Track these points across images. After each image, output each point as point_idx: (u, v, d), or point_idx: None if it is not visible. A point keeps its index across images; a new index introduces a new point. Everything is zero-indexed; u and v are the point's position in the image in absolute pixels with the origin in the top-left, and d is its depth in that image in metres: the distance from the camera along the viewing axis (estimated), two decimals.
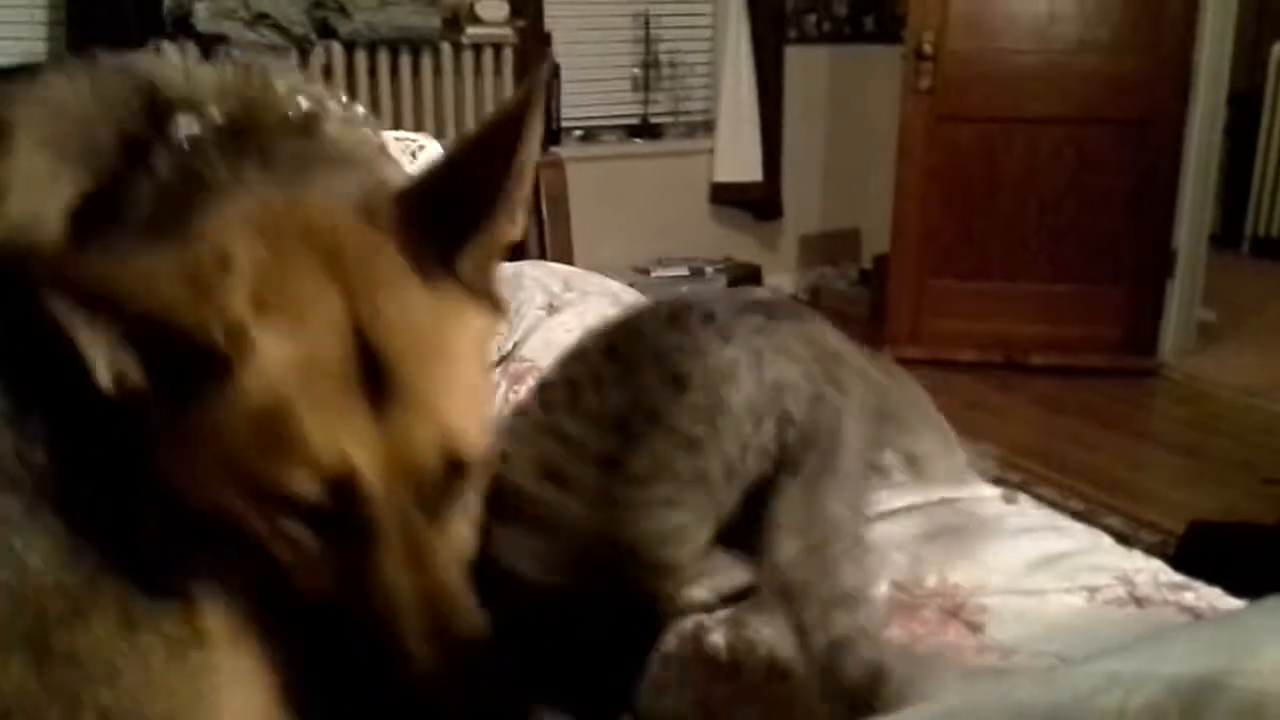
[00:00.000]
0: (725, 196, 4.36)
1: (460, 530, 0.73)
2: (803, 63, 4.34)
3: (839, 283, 4.56)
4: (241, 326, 0.63)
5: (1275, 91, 5.15)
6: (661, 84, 4.24)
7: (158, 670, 0.65)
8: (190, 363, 0.63)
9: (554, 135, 3.80)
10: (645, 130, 4.23)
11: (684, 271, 4.10)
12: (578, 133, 4.10)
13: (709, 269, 4.17)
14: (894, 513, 0.95)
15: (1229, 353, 3.92)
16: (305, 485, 0.65)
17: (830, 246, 4.59)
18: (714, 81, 4.26)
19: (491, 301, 0.76)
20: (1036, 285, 3.87)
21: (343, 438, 0.65)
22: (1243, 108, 4.81)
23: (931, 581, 0.86)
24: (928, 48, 3.72)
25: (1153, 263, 3.80)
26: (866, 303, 4.27)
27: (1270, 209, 5.42)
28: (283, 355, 0.64)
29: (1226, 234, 5.27)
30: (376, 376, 0.67)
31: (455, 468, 0.70)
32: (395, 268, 0.70)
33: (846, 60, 4.44)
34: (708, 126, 4.30)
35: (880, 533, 0.89)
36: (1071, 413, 3.41)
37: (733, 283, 4.05)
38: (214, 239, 0.65)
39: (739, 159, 4.26)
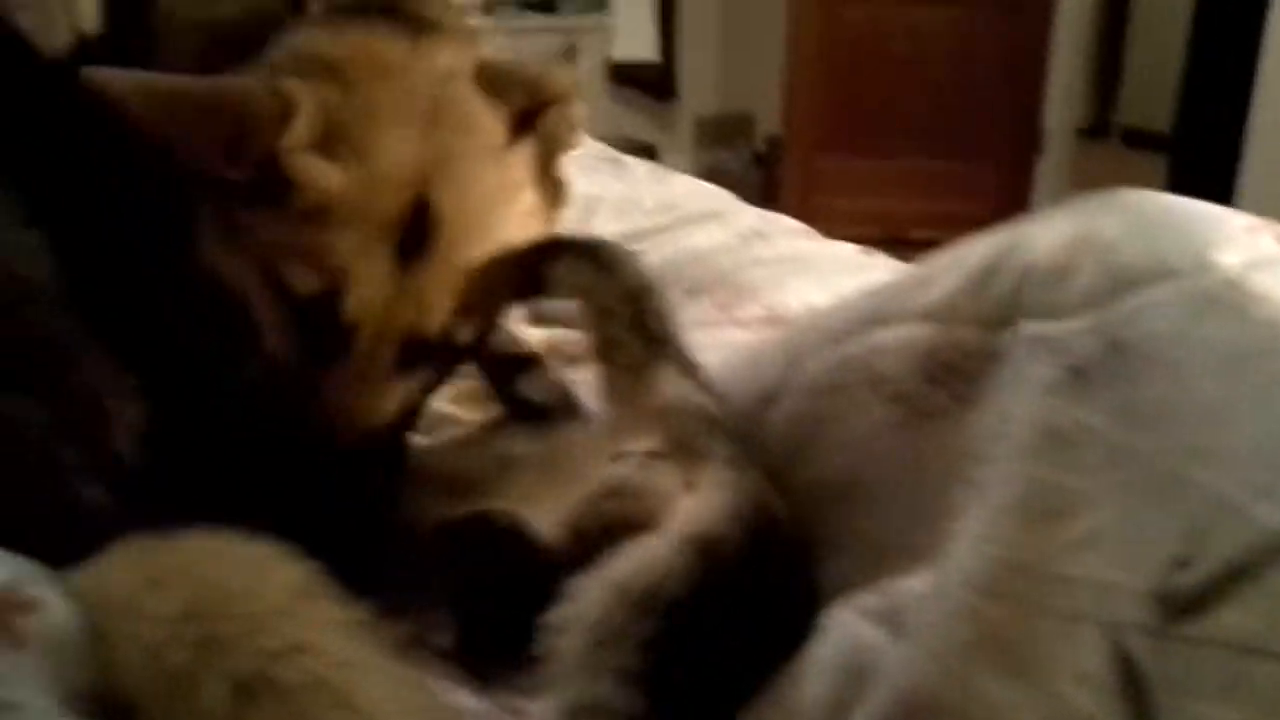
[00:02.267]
0: (622, 75, 4.42)
1: (413, 393, 0.77)
2: None
3: (733, 164, 4.69)
4: (290, 166, 0.67)
5: None
6: None
7: None
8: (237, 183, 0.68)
9: None
10: (541, 4, 4.25)
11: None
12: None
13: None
14: None
15: None
16: (305, 283, 0.70)
17: (725, 128, 4.70)
18: None
19: (553, 187, 0.82)
20: (917, 162, 4.07)
21: (356, 268, 0.69)
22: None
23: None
24: None
25: (1023, 142, 4.03)
26: (759, 183, 4.43)
27: (1141, 100, 5.70)
28: (336, 189, 0.68)
29: (1098, 124, 5.54)
30: (419, 233, 0.71)
31: (445, 343, 0.75)
32: (480, 136, 0.74)
33: None
34: (603, 2, 4.34)
35: None
36: None
37: None
38: (283, 82, 0.68)
39: (635, 37, 4.32)
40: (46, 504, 0.65)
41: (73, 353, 0.67)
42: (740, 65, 4.61)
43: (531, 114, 0.78)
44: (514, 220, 0.78)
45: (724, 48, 4.64)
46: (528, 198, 0.79)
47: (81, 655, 0.50)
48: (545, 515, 0.72)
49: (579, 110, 0.83)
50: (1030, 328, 0.59)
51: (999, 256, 0.61)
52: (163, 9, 0.75)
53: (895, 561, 0.58)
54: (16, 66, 0.72)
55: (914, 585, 0.54)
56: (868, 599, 0.56)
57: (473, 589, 0.69)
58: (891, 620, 0.53)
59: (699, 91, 4.61)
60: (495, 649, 0.65)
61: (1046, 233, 0.60)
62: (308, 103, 0.68)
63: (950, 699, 0.48)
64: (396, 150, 0.70)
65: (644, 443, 0.73)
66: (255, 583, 0.49)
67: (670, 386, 0.74)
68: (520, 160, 0.78)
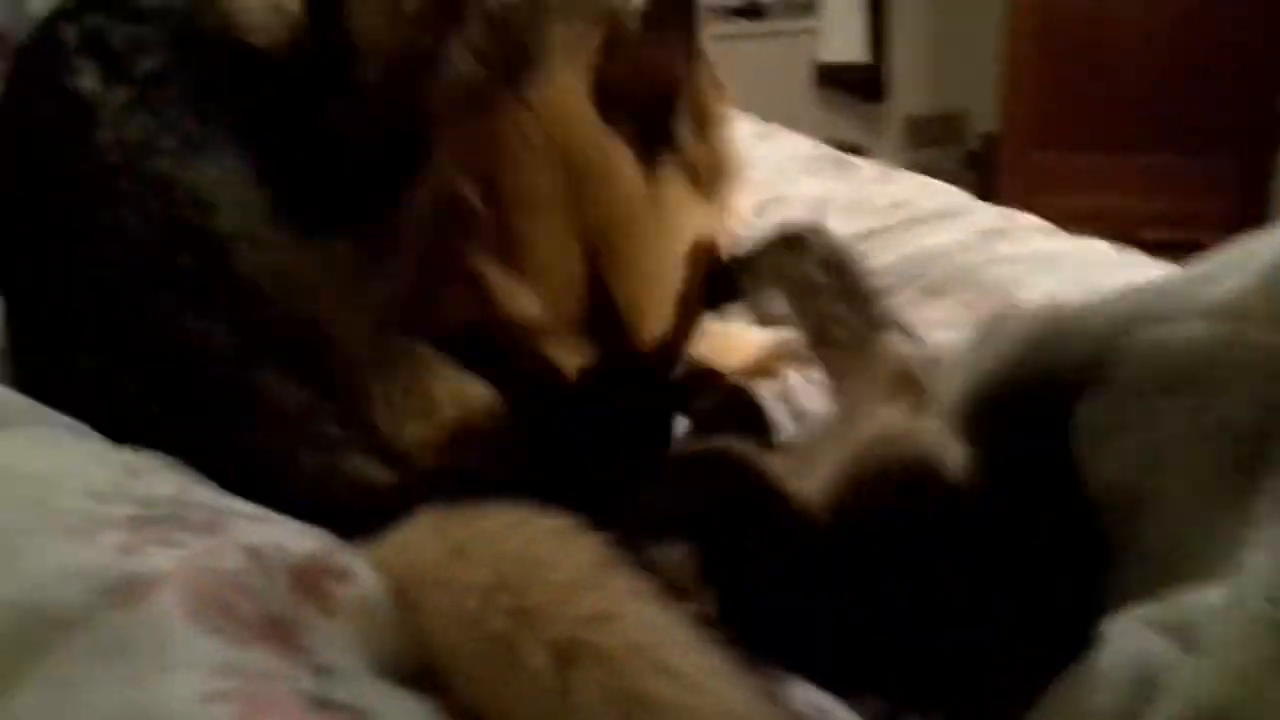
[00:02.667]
0: (830, 78, 4.37)
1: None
2: None
3: (945, 164, 4.56)
4: (483, 279, 0.70)
5: None
6: None
7: None
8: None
9: None
10: (748, 10, 4.26)
11: None
12: None
13: None
14: None
15: None
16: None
17: (936, 127, 4.58)
18: None
19: (717, 168, 0.81)
20: (1145, 157, 3.83)
21: (560, 358, 0.73)
22: None
23: None
24: None
25: (1260, 134, 3.72)
26: (974, 184, 4.29)
27: None
28: (531, 314, 0.71)
29: None
30: (607, 319, 0.73)
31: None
32: (623, 185, 0.73)
33: None
34: (810, 6, 4.30)
35: None
36: None
37: None
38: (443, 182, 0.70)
39: (844, 39, 4.26)
40: (320, 479, 0.69)
41: (327, 330, 0.70)
42: (953, 62, 4.47)
43: (653, 113, 0.75)
44: (685, 244, 0.76)
45: (936, 45, 4.51)
46: (692, 214, 0.77)
47: (388, 624, 0.54)
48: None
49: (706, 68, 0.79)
50: None
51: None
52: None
53: (1181, 573, 0.55)
54: (245, 68, 0.75)
55: (1206, 598, 0.51)
56: (1153, 610, 0.54)
57: (704, 518, 0.66)
58: (1181, 633, 0.51)
59: (910, 91, 4.50)
60: (748, 609, 0.61)
61: None
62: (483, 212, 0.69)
63: (1252, 716, 0.46)
64: (555, 248, 0.71)
65: (895, 408, 0.70)
66: (557, 554, 0.51)
67: (901, 348, 0.73)
68: (669, 185, 0.76)
